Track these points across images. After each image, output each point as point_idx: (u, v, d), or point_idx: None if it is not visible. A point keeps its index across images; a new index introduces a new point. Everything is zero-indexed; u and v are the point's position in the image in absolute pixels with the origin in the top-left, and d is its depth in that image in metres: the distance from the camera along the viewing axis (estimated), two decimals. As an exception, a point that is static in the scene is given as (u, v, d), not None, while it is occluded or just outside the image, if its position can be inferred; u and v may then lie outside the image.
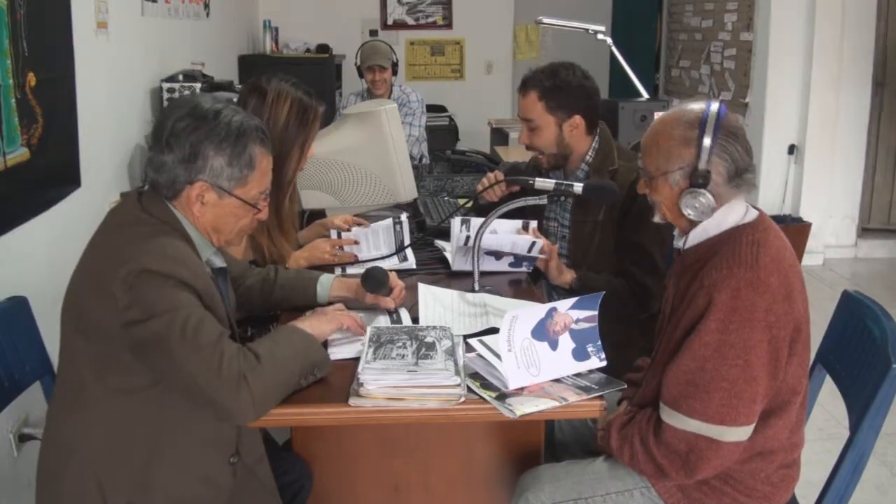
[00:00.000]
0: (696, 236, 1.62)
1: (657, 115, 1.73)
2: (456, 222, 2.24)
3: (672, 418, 1.54)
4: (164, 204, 1.55)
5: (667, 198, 1.63)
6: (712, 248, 1.58)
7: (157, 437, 1.51)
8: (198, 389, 1.43)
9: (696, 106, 1.60)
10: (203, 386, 1.42)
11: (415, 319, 1.91)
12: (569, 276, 2.32)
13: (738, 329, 1.48)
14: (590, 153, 2.44)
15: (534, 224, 2.30)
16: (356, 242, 2.39)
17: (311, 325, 1.67)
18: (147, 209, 1.53)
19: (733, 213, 1.60)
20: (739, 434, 1.51)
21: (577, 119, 2.38)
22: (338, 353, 1.72)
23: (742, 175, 1.57)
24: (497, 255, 2.30)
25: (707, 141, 1.54)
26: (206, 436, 1.56)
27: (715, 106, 1.57)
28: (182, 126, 1.51)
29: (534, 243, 2.24)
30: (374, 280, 1.93)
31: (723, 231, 1.59)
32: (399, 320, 1.92)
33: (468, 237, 2.21)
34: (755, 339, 1.48)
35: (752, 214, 1.62)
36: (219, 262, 1.67)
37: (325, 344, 1.70)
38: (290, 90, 2.21)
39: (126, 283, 1.41)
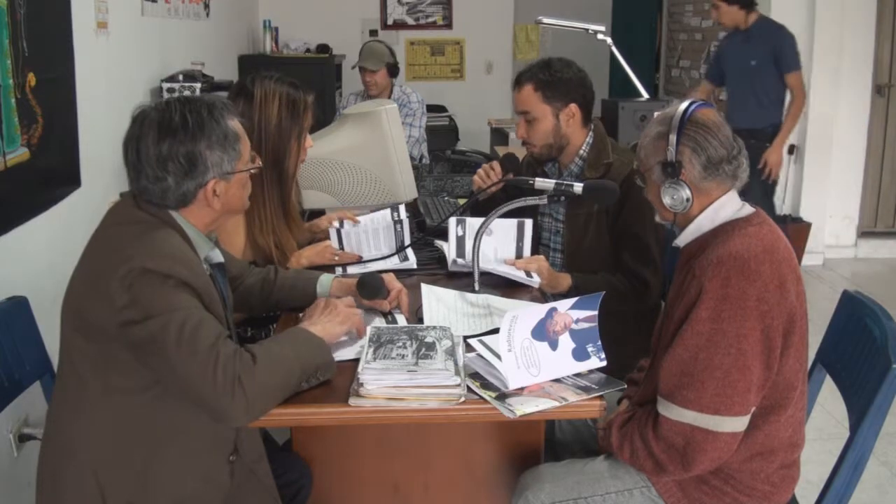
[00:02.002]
0: (690, 233, 1.66)
1: (656, 114, 1.76)
2: (452, 222, 2.25)
3: (668, 410, 1.55)
4: None
5: (654, 194, 1.69)
6: (706, 242, 1.61)
7: (156, 437, 1.51)
8: (193, 392, 1.43)
9: (673, 106, 1.67)
10: (198, 388, 1.42)
11: (420, 320, 1.91)
12: (564, 283, 2.31)
13: (730, 318, 1.50)
14: (584, 147, 2.45)
15: (527, 252, 2.28)
16: (359, 258, 2.40)
17: (323, 328, 1.65)
18: (144, 207, 1.53)
19: (726, 209, 1.63)
20: (735, 424, 1.52)
21: (573, 108, 2.40)
22: (337, 354, 1.71)
23: (718, 166, 1.61)
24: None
25: (674, 133, 1.60)
26: (206, 435, 1.56)
27: (686, 103, 1.64)
28: (165, 149, 1.49)
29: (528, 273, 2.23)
30: (370, 287, 1.93)
31: (716, 226, 1.63)
32: (394, 321, 1.92)
33: (464, 240, 2.22)
34: (747, 327, 1.49)
35: (747, 210, 1.65)
36: (217, 258, 1.68)
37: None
38: (276, 87, 2.22)
39: (125, 283, 1.41)
